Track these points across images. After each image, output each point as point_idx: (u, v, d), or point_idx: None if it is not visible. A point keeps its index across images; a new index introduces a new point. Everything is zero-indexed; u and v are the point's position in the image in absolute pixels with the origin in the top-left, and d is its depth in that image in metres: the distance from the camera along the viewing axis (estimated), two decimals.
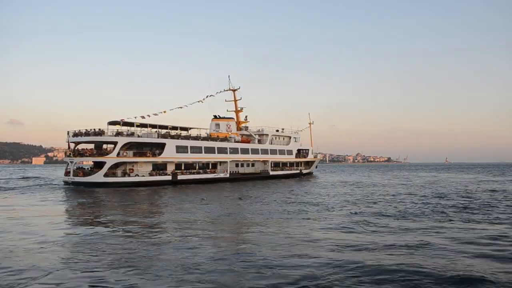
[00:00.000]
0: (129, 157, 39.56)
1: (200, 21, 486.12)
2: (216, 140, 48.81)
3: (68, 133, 40.22)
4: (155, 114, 44.95)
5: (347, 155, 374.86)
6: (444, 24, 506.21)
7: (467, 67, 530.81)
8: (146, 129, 43.23)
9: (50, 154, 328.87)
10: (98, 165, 39.76)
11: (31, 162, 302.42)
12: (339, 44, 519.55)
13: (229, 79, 57.73)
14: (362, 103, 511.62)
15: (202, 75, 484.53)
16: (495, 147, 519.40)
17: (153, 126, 43.97)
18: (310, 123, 69.25)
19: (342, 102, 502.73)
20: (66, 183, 39.94)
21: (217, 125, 53.75)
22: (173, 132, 45.25)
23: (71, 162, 39.44)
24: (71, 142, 40.26)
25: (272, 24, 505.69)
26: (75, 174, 38.79)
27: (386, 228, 14.85)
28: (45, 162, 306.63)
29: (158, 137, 42.32)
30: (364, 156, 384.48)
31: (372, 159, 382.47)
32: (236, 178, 49.73)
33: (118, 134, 39.90)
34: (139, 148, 40.97)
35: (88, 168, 41.08)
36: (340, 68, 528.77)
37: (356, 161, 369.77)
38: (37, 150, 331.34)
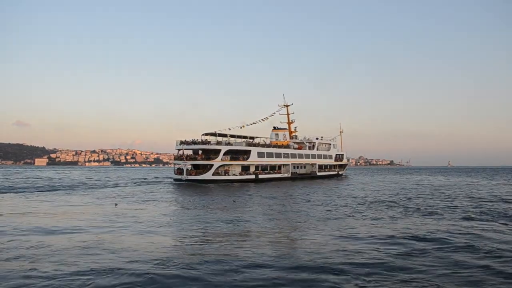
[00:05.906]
0: (228, 161, 51.74)
1: (202, 24, 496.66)
2: (281, 147, 61.54)
3: (180, 142, 52.04)
4: (238, 127, 58.01)
5: (349, 158, 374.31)
6: (444, 25, 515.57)
7: (469, 68, 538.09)
8: (234, 139, 55.57)
9: (53, 155, 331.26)
10: (196, 167, 51.83)
11: (34, 163, 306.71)
12: (340, 46, 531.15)
13: (284, 97, 70.58)
14: (363, 105, 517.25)
15: (201, 75, 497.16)
16: (499, 150, 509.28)
17: (239, 137, 56.41)
18: (340, 132, 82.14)
19: (343, 103, 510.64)
20: (178, 180, 51.13)
21: (277, 134, 66.37)
22: (255, 141, 57.94)
23: (184, 164, 51.32)
24: (179, 148, 52.09)
25: (274, 26, 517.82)
26: (188, 173, 50.76)
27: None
28: (47, 164, 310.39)
29: (245, 146, 54.77)
30: (366, 159, 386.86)
31: (374, 162, 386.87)
32: (294, 178, 62.38)
33: (218, 143, 52.06)
34: (233, 154, 53.19)
35: (190, 169, 52.88)
36: (341, 71, 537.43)
37: (358, 164, 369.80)
38: (40, 151, 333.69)
